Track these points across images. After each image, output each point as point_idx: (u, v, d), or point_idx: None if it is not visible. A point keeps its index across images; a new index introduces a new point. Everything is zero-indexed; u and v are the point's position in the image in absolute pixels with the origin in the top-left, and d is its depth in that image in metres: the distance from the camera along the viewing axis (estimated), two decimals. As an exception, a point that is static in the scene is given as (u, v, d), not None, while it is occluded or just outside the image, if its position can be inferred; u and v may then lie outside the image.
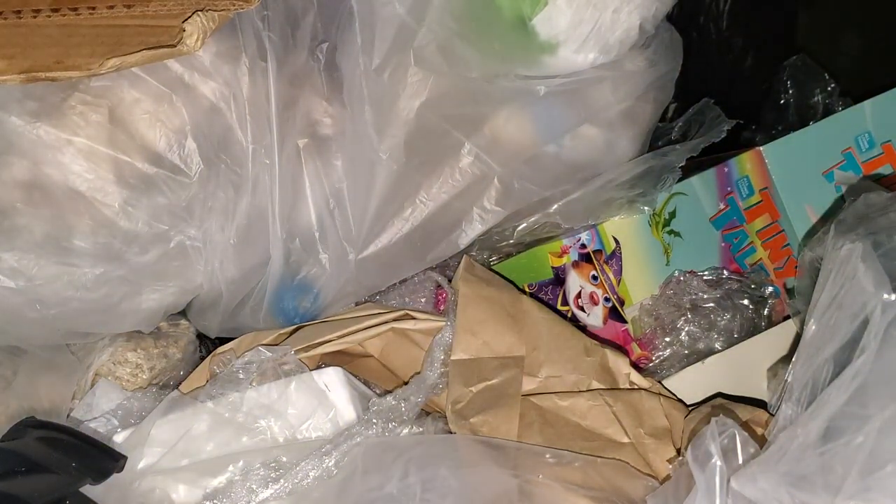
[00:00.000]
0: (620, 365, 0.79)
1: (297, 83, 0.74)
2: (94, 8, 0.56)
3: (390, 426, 0.71)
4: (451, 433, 0.74)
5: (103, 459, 0.66)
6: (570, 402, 0.76)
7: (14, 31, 0.55)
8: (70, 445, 0.66)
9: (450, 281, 0.82)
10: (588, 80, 0.76)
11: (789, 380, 0.69)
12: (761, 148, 0.86)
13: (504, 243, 0.85)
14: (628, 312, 0.85)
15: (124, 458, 0.68)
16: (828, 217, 0.84)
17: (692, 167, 0.84)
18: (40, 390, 0.75)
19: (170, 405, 0.72)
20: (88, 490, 0.66)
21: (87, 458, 0.65)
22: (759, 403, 0.79)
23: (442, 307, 0.82)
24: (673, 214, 0.85)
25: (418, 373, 0.75)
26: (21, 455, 0.63)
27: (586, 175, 0.82)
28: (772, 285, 0.86)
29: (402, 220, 0.77)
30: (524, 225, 0.83)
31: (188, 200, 0.71)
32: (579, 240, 0.84)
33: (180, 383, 0.77)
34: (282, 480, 0.68)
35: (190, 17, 0.58)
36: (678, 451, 0.75)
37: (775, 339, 0.82)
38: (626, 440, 0.75)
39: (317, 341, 0.76)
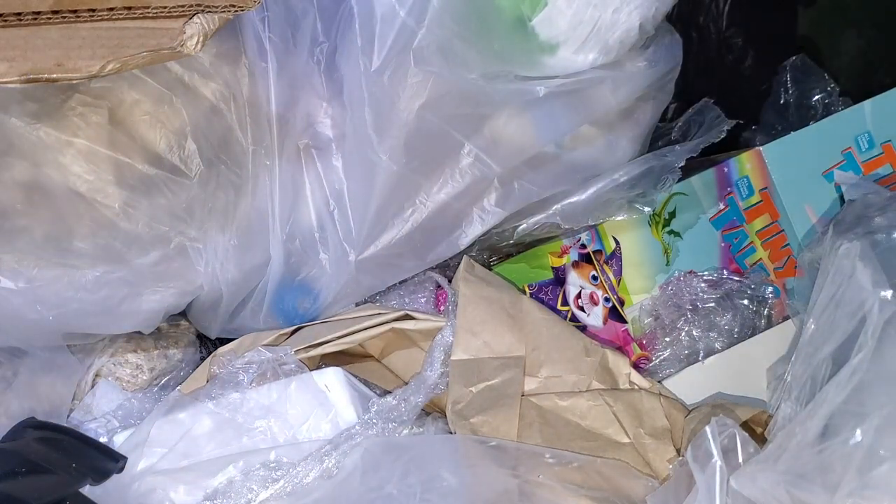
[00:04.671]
0: (620, 365, 0.79)
1: (297, 84, 0.74)
2: (93, 10, 0.56)
3: (390, 426, 0.71)
4: (451, 433, 0.74)
5: (103, 460, 0.67)
6: (570, 402, 0.76)
7: (14, 34, 0.55)
8: (70, 446, 0.66)
9: (450, 281, 0.82)
10: (588, 80, 0.76)
11: (788, 378, 0.69)
12: (761, 148, 0.86)
13: (504, 243, 0.85)
14: (628, 312, 0.85)
15: (124, 458, 0.68)
16: (828, 217, 0.84)
17: (692, 167, 0.84)
18: (40, 391, 0.75)
19: (170, 406, 0.72)
20: (88, 491, 0.66)
21: (87, 459, 0.66)
22: (759, 403, 0.79)
23: (442, 307, 0.82)
24: (673, 214, 0.85)
25: (418, 373, 0.75)
26: (21, 456, 0.63)
27: (586, 175, 0.82)
28: (772, 285, 0.85)
29: (402, 221, 0.77)
30: (524, 225, 0.83)
31: (188, 201, 0.71)
32: (579, 240, 0.84)
33: (180, 384, 0.77)
34: (282, 481, 0.68)
35: (190, 19, 0.58)
36: (678, 451, 0.75)
37: (775, 339, 0.82)
38: (626, 440, 0.76)
39: (317, 342, 0.76)
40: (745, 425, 0.73)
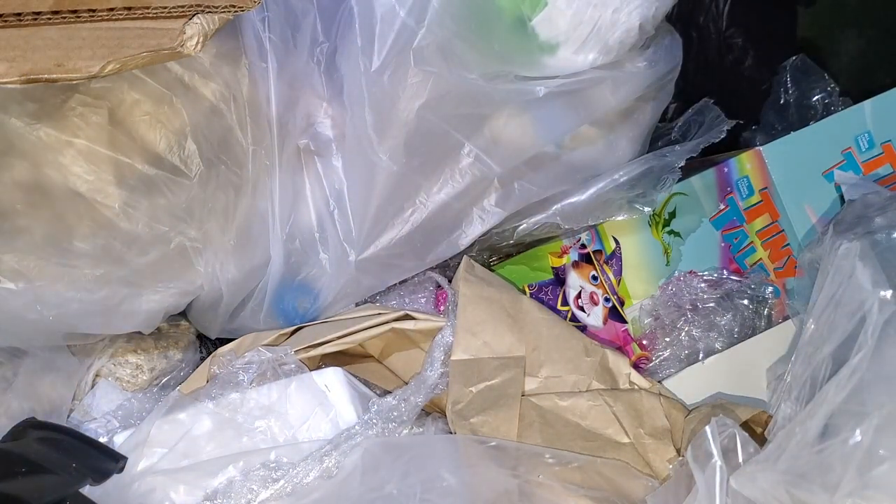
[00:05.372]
0: (620, 365, 0.79)
1: (297, 85, 0.74)
2: (94, 11, 0.56)
3: (390, 426, 0.71)
4: (451, 433, 0.74)
5: (103, 460, 0.66)
6: (570, 402, 0.76)
7: (14, 34, 0.54)
8: (70, 446, 0.66)
9: (450, 281, 0.82)
10: (588, 80, 0.75)
11: (788, 378, 0.69)
12: (761, 148, 0.86)
13: (504, 243, 0.85)
14: (628, 312, 0.85)
15: (124, 458, 0.68)
16: (828, 217, 0.84)
17: (692, 167, 0.84)
18: (41, 391, 0.75)
19: (170, 406, 0.72)
20: (88, 491, 0.66)
21: (88, 459, 0.65)
22: (759, 403, 0.79)
23: (442, 307, 0.82)
24: (673, 214, 0.85)
25: (418, 373, 0.75)
26: (21, 456, 0.63)
27: (586, 176, 0.82)
28: (772, 285, 0.85)
29: (402, 221, 0.77)
30: (524, 225, 0.83)
31: (188, 202, 0.71)
32: (579, 240, 0.84)
33: (180, 384, 0.77)
34: (282, 481, 0.68)
35: (190, 19, 0.58)
36: (678, 452, 0.75)
37: (775, 339, 0.82)
38: (626, 440, 0.76)
39: (317, 342, 0.76)
40: (745, 425, 0.73)
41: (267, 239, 0.76)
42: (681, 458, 0.74)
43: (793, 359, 0.70)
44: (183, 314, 0.85)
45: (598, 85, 0.77)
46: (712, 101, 0.90)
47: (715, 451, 0.63)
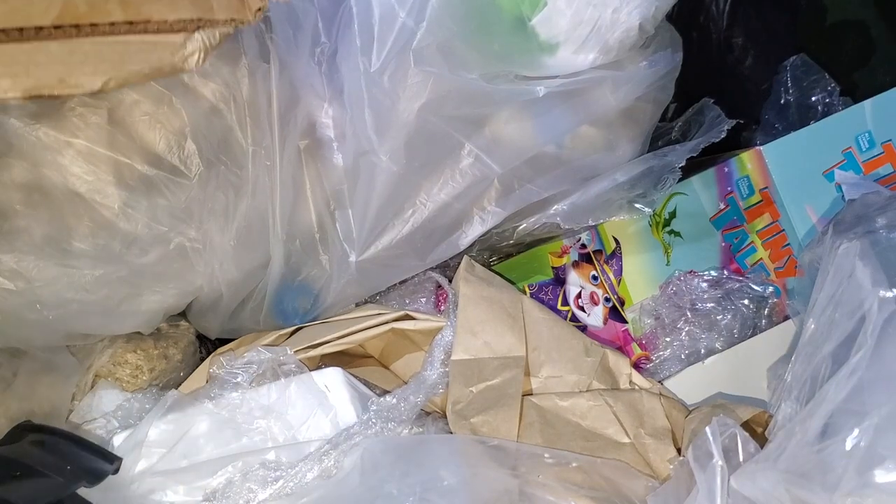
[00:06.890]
0: (621, 365, 0.79)
1: (298, 85, 0.74)
2: (95, 25, 0.56)
3: (390, 426, 0.71)
4: (451, 433, 0.74)
5: (98, 461, 0.66)
6: (570, 402, 0.76)
7: (17, 49, 0.54)
8: (64, 448, 0.66)
9: (450, 281, 0.82)
10: (588, 80, 0.75)
11: (788, 378, 0.69)
12: (761, 147, 0.86)
13: (504, 243, 0.85)
14: (628, 312, 0.85)
15: (119, 459, 0.68)
16: (828, 217, 0.84)
17: (692, 167, 0.84)
18: (40, 392, 0.75)
19: (169, 406, 0.72)
20: (88, 493, 0.66)
21: (82, 461, 0.65)
22: (760, 403, 0.79)
23: (442, 307, 0.82)
24: (673, 214, 0.85)
25: (418, 373, 0.75)
26: (16, 460, 0.63)
27: (586, 175, 0.82)
28: (772, 285, 0.85)
29: (402, 222, 0.77)
30: (524, 225, 0.83)
31: (188, 202, 0.71)
32: (579, 240, 0.84)
33: (180, 384, 0.77)
34: (281, 481, 0.68)
35: (191, 34, 0.58)
36: (679, 451, 0.75)
37: (775, 339, 0.82)
38: (626, 440, 0.76)
39: (317, 342, 0.76)
40: (746, 425, 0.73)
41: (267, 239, 0.76)
42: (681, 457, 0.74)
43: (793, 359, 0.70)
44: (183, 314, 0.85)
45: (598, 85, 0.77)
46: (712, 101, 0.90)
47: (715, 451, 0.63)
